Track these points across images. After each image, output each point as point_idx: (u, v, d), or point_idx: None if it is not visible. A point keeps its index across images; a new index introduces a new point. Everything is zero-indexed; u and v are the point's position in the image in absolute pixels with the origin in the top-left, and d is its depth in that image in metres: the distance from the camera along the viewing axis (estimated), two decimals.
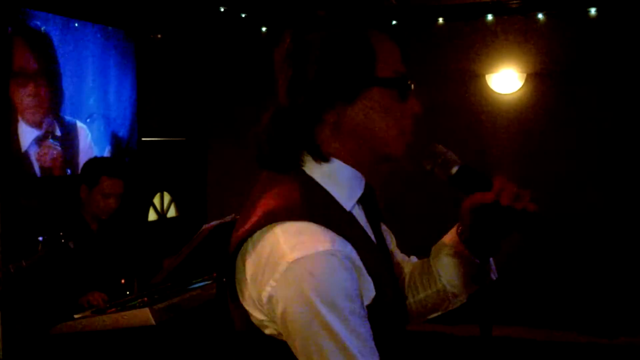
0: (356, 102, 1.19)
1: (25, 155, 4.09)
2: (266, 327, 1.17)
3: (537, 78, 5.25)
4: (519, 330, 4.96)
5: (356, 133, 1.20)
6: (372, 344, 1.12)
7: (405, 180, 4.48)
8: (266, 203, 1.18)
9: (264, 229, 1.14)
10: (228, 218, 2.95)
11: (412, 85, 1.23)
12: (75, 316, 2.80)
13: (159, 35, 5.30)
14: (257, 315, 1.17)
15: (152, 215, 5.33)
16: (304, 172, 1.21)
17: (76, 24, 4.44)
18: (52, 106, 4.30)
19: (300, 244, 1.11)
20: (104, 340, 2.73)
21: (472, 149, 5.10)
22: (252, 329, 1.19)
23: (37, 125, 4.19)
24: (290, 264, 1.09)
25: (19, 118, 4.05)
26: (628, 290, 4.85)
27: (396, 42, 1.23)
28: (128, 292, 3.09)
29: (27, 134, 4.10)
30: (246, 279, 1.17)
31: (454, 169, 1.25)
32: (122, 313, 2.72)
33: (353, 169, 1.23)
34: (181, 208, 5.61)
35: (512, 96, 5.31)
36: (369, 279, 1.16)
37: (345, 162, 1.22)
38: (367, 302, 1.15)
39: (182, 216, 5.59)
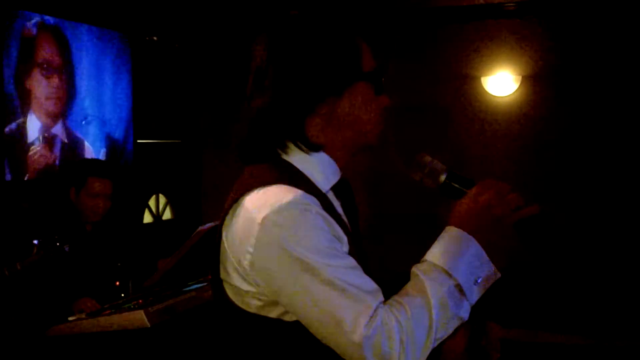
0: (344, 96, 1.26)
1: (27, 148, 4.09)
2: (252, 300, 1.19)
3: (533, 81, 5.26)
4: (514, 333, 4.96)
5: (342, 124, 1.27)
6: (362, 273, 1.16)
7: (398, 189, 4.49)
8: (238, 186, 1.25)
9: (235, 204, 1.21)
10: None
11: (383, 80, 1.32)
12: (70, 318, 2.79)
13: (155, 37, 5.30)
14: (243, 287, 1.20)
15: (147, 218, 5.33)
16: (282, 159, 1.27)
17: (71, 26, 4.44)
18: (65, 107, 4.35)
19: (265, 202, 1.16)
20: (98, 342, 2.72)
21: (467, 151, 5.11)
22: (237, 311, 1.22)
23: (47, 122, 4.22)
24: (260, 225, 1.14)
25: (31, 110, 4.08)
26: (627, 292, 4.85)
27: (367, 41, 1.31)
28: (123, 294, 3.09)
29: (35, 129, 4.13)
30: (228, 255, 1.21)
31: (442, 177, 1.29)
32: (117, 315, 2.72)
33: (329, 157, 1.29)
34: (177, 210, 5.61)
35: (507, 99, 5.31)
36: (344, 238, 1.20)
37: (326, 151, 1.29)
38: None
39: (177, 218, 5.59)
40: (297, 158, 1.26)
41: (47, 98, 4.22)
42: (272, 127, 1.26)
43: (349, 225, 1.30)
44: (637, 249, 4.88)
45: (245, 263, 1.17)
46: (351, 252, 1.19)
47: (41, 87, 4.18)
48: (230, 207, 1.22)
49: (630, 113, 5.00)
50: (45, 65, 4.19)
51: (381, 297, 1.14)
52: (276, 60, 1.26)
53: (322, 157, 1.28)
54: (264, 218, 1.14)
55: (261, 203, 1.16)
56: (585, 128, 5.11)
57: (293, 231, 1.13)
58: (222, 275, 1.24)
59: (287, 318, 1.18)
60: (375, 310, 1.10)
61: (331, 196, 1.29)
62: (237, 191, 1.24)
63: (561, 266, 4.98)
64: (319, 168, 1.27)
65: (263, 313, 1.19)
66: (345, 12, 1.31)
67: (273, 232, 1.13)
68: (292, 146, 1.27)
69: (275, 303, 1.18)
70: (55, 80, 4.28)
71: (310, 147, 1.26)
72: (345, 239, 1.19)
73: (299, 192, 1.17)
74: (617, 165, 5.02)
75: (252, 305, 1.20)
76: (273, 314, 1.19)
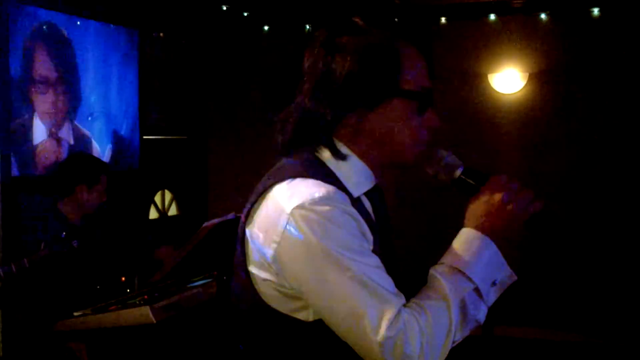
0: (377, 110, 1.23)
1: (34, 144, 4.10)
2: (268, 289, 1.18)
3: (540, 78, 5.24)
4: (521, 330, 4.95)
5: (373, 137, 1.24)
6: (386, 274, 1.14)
7: (409, 182, 4.48)
8: (269, 176, 1.24)
9: (264, 192, 1.20)
10: (229, 216, 2.95)
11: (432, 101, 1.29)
12: (75, 314, 2.80)
13: (162, 34, 5.30)
14: (261, 275, 1.18)
15: (153, 214, 5.33)
16: (317, 156, 1.25)
17: (78, 22, 4.44)
18: (69, 110, 4.36)
19: (296, 193, 1.14)
20: (104, 338, 2.72)
21: (474, 148, 5.09)
22: (255, 303, 1.20)
23: (53, 119, 4.22)
24: (289, 215, 1.13)
25: (35, 113, 4.08)
26: (628, 289, 4.83)
27: (425, 56, 1.29)
28: (128, 290, 3.10)
29: (41, 125, 4.13)
30: (252, 244, 1.20)
31: (457, 172, 1.26)
32: (122, 311, 2.72)
33: (364, 165, 1.26)
34: (182, 206, 5.61)
35: (514, 96, 5.30)
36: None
37: (359, 159, 1.26)
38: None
39: (183, 214, 5.59)
40: (329, 158, 1.24)
41: (51, 103, 4.21)
42: (307, 127, 1.24)
43: (378, 230, 1.27)
44: None
45: (269, 252, 1.15)
46: (376, 254, 1.17)
47: (43, 97, 4.15)
48: (259, 195, 1.21)
49: (637, 110, 4.97)
50: (44, 79, 4.15)
51: (404, 299, 1.13)
52: (315, 66, 1.24)
53: (355, 162, 1.25)
54: (294, 209, 1.12)
55: (291, 194, 1.15)
56: (592, 125, 5.09)
57: (323, 225, 1.11)
58: (243, 262, 1.23)
59: (301, 316, 1.17)
60: (398, 312, 1.09)
61: (362, 200, 1.26)
62: (267, 180, 1.22)
63: (567, 263, 4.96)
64: (351, 172, 1.24)
65: (276, 305, 1.18)
66: (386, 19, 1.27)
67: (302, 224, 1.11)
68: (325, 148, 1.25)
69: (292, 297, 1.16)
70: (58, 89, 4.25)
71: (337, 154, 1.23)
72: (371, 238, 1.17)
73: (331, 187, 1.15)
74: (624, 163, 5.00)
75: (269, 295, 1.18)
76: (287, 308, 1.17)
